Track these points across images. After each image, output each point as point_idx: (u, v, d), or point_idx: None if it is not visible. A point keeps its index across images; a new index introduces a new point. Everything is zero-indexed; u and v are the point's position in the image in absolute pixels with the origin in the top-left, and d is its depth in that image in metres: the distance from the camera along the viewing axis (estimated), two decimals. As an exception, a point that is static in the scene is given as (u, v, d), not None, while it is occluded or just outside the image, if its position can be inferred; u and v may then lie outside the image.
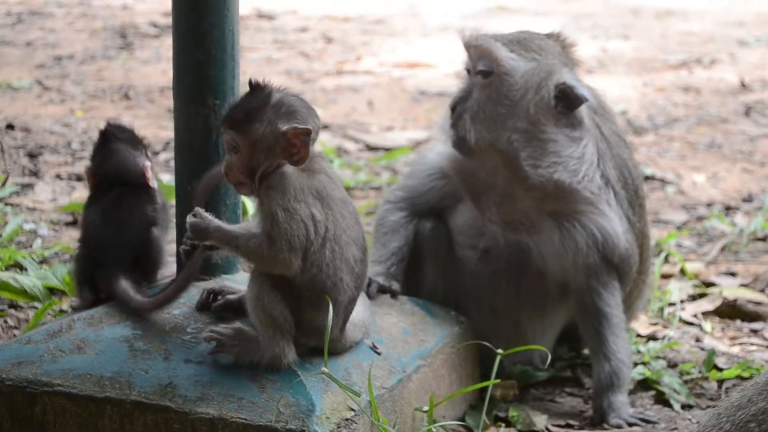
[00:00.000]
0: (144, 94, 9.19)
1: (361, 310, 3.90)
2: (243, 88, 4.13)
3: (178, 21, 4.07)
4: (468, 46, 4.38)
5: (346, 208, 3.72)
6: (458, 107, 4.37)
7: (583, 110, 4.38)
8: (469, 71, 4.44)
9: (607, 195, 4.43)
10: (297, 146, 3.61)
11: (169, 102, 8.88)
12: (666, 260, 5.89)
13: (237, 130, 3.62)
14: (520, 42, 4.38)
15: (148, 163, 4.24)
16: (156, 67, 10.23)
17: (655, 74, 10.22)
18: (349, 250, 3.70)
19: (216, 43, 4.03)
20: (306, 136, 3.61)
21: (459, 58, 10.40)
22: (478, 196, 4.50)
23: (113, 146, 4.27)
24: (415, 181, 4.68)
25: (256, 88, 3.66)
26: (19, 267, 5.44)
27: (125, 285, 4.01)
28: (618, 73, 10.21)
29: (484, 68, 4.33)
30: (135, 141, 4.30)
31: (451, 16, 12.88)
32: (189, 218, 3.66)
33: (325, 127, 8.37)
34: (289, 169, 3.63)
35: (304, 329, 3.71)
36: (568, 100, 4.32)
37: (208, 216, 3.65)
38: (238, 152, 3.63)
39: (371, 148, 7.94)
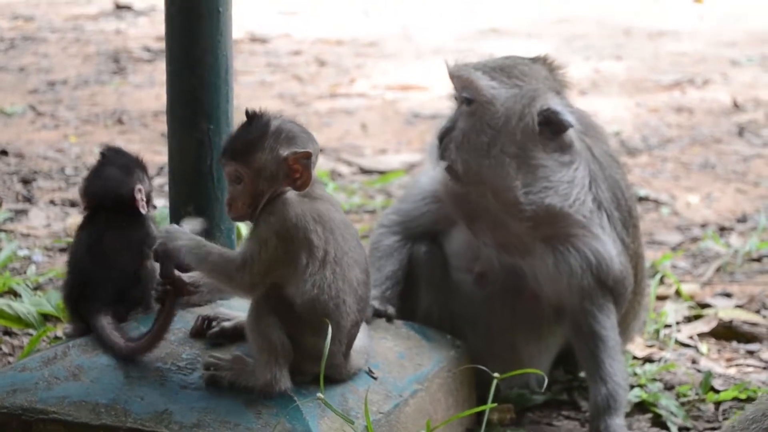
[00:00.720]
0: (137, 119, 9.19)
1: (362, 336, 3.90)
2: (237, 113, 4.14)
3: (171, 46, 4.08)
4: (452, 76, 4.41)
5: (347, 231, 3.72)
6: (445, 138, 4.38)
7: (571, 133, 4.38)
8: (456, 99, 4.46)
9: (600, 218, 4.42)
10: (299, 171, 3.62)
11: (162, 127, 8.88)
12: (661, 281, 5.88)
13: (240, 161, 3.63)
14: (503, 69, 4.38)
15: (139, 187, 4.13)
16: (149, 91, 10.24)
17: (648, 95, 10.24)
18: (351, 271, 3.69)
19: (209, 68, 4.04)
20: (307, 160, 3.62)
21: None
22: (472, 220, 4.50)
23: (103, 168, 4.20)
24: (409, 205, 4.68)
25: (253, 117, 3.67)
26: (14, 293, 5.43)
27: (103, 323, 3.94)
28: (611, 94, 10.23)
29: (467, 97, 4.35)
30: (130, 165, 4.20)
31: (444, 39, 12.92)
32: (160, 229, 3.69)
33: (319, 150, 8.36)
34: (291, 195, 3.64)
35: (307, 355, 3.70)
36: (553, 125, 4.33)
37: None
38: (241, 183, 3.63)
39: (365, 171, 7.94)
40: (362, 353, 3.91)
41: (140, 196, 4.11)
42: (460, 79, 4.37)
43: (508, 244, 4.46)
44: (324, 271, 3.64)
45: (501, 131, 4.31)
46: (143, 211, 4.12)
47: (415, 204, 4.65)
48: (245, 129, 3.67)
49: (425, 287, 4.58)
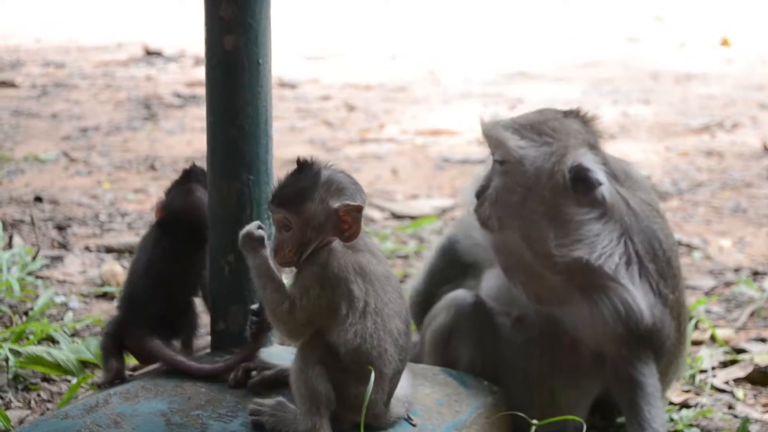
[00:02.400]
0: (170, 165, 9.26)
1: (405, 384, 3.92)
2: (276, 163, 4.19)
3: (212, 97, 4.12)
4: (485, 136, 4.45)
5: (389, 283, 3.75)
6: (481, 195, 4.44)
7: (604, 189, 4.41)
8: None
9: (630, 270, 4.44)
10: (348, 222, 3.66)
11: (194, 172, 8.93)
12: (696, 326, 5.88)
13: (289, 209, 3.66)
14: (533, 126, 4.41)
15: None
16: (180, 137, 10.32)
17: (678, 138, 10.26)
18: (392, 322, 3.72)
19: (249, 119, 4.09)
20: (357, 213, 3.66)
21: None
22: (508, 269, 4.54)
23: (193, 185, 4.27)
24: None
25: (304, 165, 3.70)
26: (52, 340, 5.47)
27: (160, 345, 4.03)
28: (640, 138, 10.25)
29: (499, 158, 4.40)
30: None
31: (472, 83, 12.98)
32: (252, 227, 3.71)
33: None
34: (337, 245, 3.68)
35: (349, 405, 3.72)
36: (584, 182, 4.36)
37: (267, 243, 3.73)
38: (289, 230, 3.67)
39: (397, 217, 7.98)
40: (403, 402, 3.93)
41: None
42: (492, 138, 4.42)
43: (543, 293, 4.49)
44: (365, 321, 3.67)
45: (532, 189, 4.35)
46: None
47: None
48: (296, 177, 3.70)
49: (470, 338, 4.60)
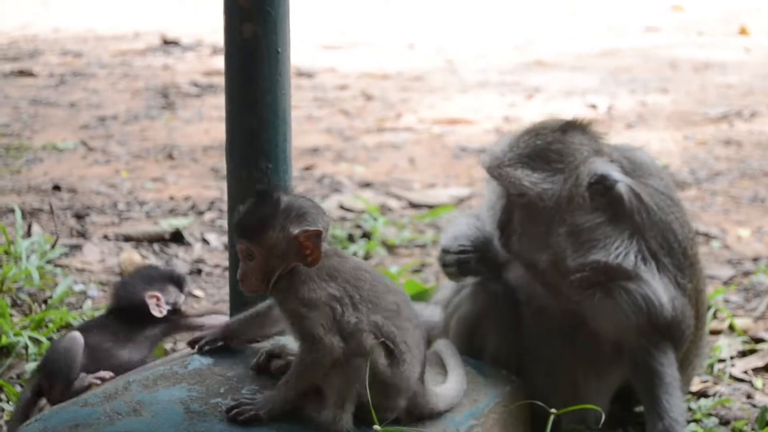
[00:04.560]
0: (187, 154, 9.28)
1: (451, 386, 4.02)
2: (294, 152, 4.20)
3: (231, 85, 4.12)
4: (492, 176, 4.43)
5: (360, 275, 3.78)
6: (505, 229, 4.46)
7: (620, 185, 4.40)
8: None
9: (649, 266, 4.45)
10: (309, 248, 3.69)
11: (212, 161, 8.96)
12: (714, 316, 5.87)
13: (251, 240, 3.69)
14: (539, 155, 4.38)
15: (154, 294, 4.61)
16: (198, 126, 10.33)
17: (696, 128, 10.23)
18: (383, 300, 3.77)
19: (268, 108, 4.09)
20: (317, 238, 3.68)
21: (498, 114, 10.45)
22: (528, 267, 4.55)
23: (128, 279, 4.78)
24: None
25: (263, 195, 3.73)
26: (70, 328, 5.48)
27: None
28: (658, 127, 10.23)
29: (515, 192, 4.39)
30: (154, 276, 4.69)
31: (490, 72, 12.96)
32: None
33: (368, 184, 8.42)
34: (301, 269, 3.72)
35: (383, 391, 3.76)
36: (602, 187, 4.37)
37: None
38: (253, 260, 3.70)
39: (414, 206, 7.98)
40: (445, 399, 4.01)
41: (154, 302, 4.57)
42: (502, 178, 4.40)
43: (563, 290, 4.50)
44: (358, 312, 3.71)
45: (554, 216, 4.37)
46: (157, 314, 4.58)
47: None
48: (256, 206, 3.73)
49: (496, 327, 4.61)
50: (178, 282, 4.64)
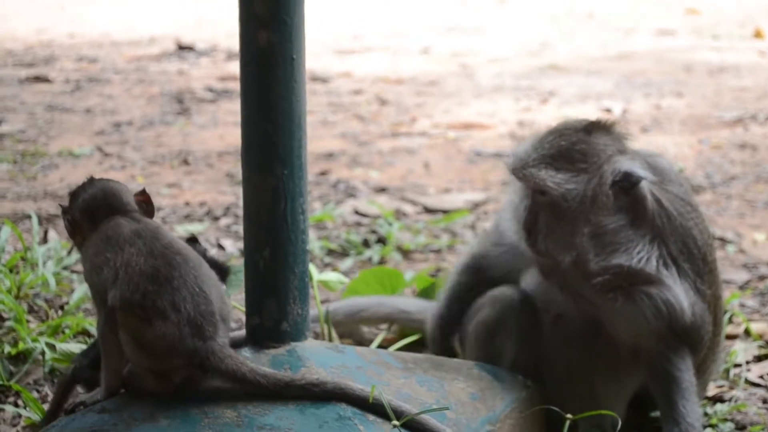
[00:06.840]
0: (203, 159, 9.30)
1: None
2: (309, 157, 4.21)
3: (246, 92, 4.13)
4: (517, 177, 4.45)
5: (117, 240, 4.00)
6: (531, 230, 4.46)
7: (644, 185, 4.41)
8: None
9: (670, 271, 4.45)
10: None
11: (227, 167, 8.98)
12: (730, 320, 5.86)
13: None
14: (563, 155, 4.39)
15: None
16: (213, 131, 10.36)
17: (711, 131, 10.22)
18: (136, 261, 3.93)
19: (284, 114, 4.09)
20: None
21: (513, 119, 10.43)
22: (547, 274, 4.56)
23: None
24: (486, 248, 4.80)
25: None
26: (87, 334, 5.50)
27: None
28: (673, 131, 10.22)
29: (540, 191, 4.40)
30: None
31: (504, 76, 12.96)
32: None
33: (383, 189, 8.43)
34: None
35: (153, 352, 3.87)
36: (627, 185, 4.38)
37: None
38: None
39: (429, 210, 7.98)
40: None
41: None
42: (526, 179, 4.41)
43: (583, 294, 4.51)
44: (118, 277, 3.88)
45: (579, 216, 4.38)
46: None
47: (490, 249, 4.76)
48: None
49: (515, 333, 4.62)
50: None
